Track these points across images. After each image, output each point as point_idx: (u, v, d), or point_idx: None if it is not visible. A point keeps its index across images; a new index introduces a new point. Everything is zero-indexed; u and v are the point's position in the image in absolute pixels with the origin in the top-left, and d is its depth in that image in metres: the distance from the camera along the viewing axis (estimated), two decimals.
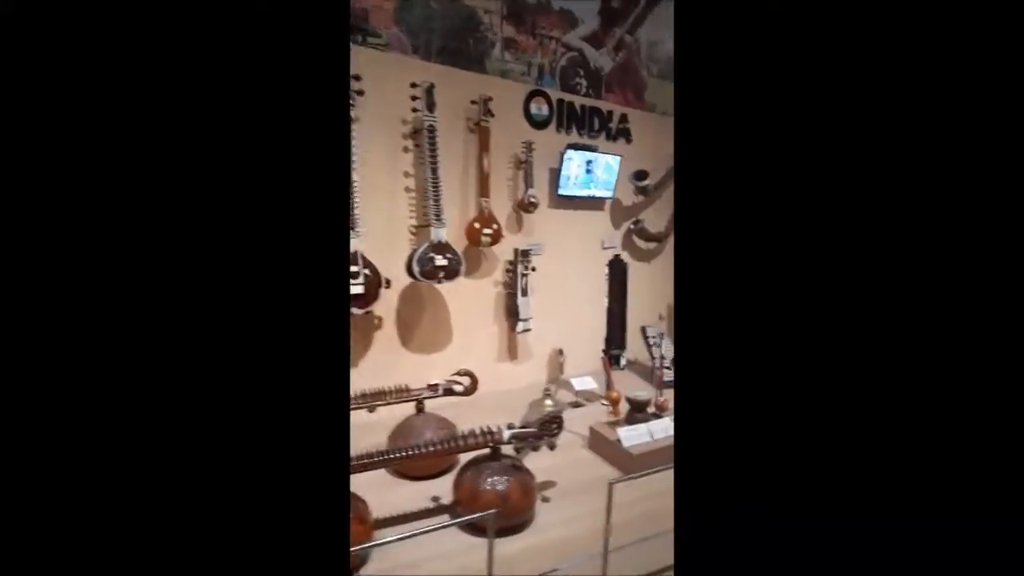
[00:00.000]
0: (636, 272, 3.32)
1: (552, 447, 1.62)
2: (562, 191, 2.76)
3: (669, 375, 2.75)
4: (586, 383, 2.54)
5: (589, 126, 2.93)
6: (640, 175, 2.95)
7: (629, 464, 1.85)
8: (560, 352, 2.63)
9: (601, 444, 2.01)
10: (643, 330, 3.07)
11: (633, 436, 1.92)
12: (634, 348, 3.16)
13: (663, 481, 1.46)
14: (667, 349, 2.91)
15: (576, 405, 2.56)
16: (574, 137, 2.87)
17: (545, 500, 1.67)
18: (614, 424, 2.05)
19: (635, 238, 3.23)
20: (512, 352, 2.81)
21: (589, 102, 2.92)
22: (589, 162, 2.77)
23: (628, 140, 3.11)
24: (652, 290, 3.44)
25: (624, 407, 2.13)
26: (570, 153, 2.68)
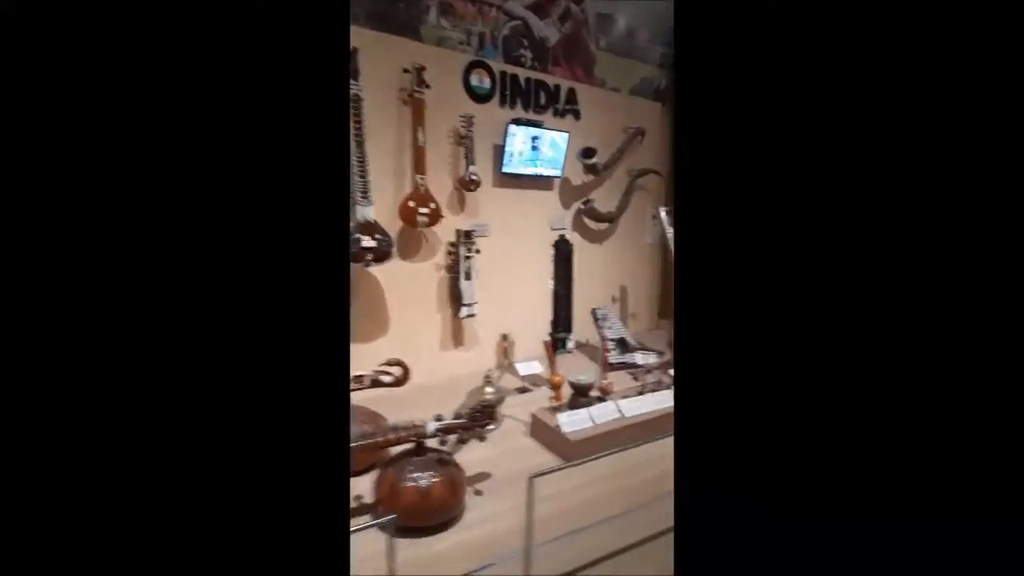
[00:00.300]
0: (588, 253, 3.26)
1: (482, 439, 1.52)
2: (506, 168, 2.63)
3: (616, 357, 2.71)
4: (532, 367, 2.47)
5: (535, 101, 2.80)
6: (587, 152, 2.85)
7: (569, 451, 1.79)
8: (505, 337, 2.54)
9: (542, 431, 1.94)
10: (593, 312, 3.01)
11: (574, 422, 1.85)
12: (586, 331, 3.10)
13: (601, 467, 1.41)
14: (612, 330, 2.87)
15: (523, 390, 2.48)
16: (519, 112, 2.74)
17: (478, 493, 1.59)
18: (556, 410, 1.98)
19: (585, 219, 3.16)
20: (457, 339, 2.70)
21: (535, 75, 2.78)
22: (535, 138, 2.65)
23: (577, 117, 3.01)
24: (604, 272, 3.39)
25: (568, 392, 2.07)
26: (513, 128, 2.55)
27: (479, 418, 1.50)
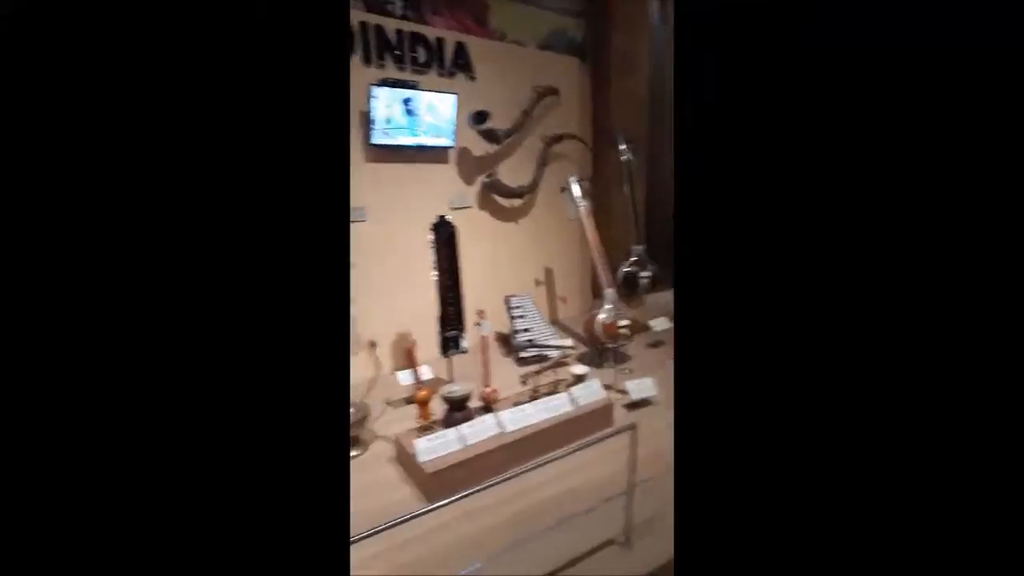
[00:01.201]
0: (502, 234, 2.88)
1: None
2: (375, 140, 2.21)
3: (528, 351, 2.35)
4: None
5: (411, 58, 2.36)
6: (479, 117, 2.44)
7: (427, 485, 1.43)
8: (372, 344, 2.14)
9: (405, 458, 1.58)
10: (506, 300, 2.64)
11: (435, 447, 1.49)
12: (498, 323, 2.73)
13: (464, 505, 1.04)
14: (525, 319, 2.50)
15: (411, 401, 2.11)
16: (391, 72, 2.30)
17: None
18: (425, 430, 1.62)
19: (493, 195, 2.76)
20: None
21: (408, 27, 2.34)
22: (407, 101, 2.23)
23: (471, 76, 2.59)
24: (525, 253, 3.02)
25: (442, 407, 1.70)
26: (376, 91, 2.12)
27: None
